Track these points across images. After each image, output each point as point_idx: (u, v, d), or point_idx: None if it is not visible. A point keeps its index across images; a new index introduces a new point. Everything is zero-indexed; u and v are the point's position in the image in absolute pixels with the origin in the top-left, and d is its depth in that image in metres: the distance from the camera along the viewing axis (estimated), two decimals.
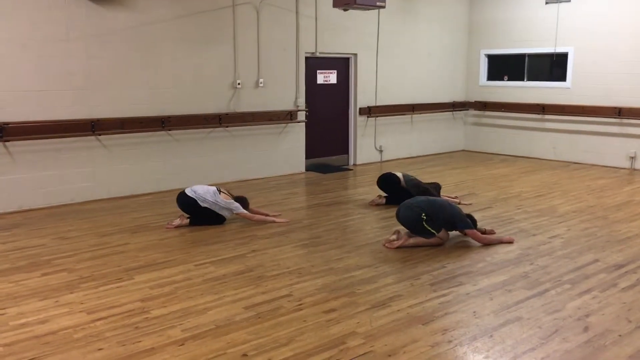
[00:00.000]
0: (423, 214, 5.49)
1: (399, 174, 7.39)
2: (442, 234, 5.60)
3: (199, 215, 6.29)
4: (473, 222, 5.71)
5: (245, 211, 6.41)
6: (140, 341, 3.63)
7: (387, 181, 7.40)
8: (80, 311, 4.09)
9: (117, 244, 5.71)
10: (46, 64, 7.01)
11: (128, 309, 4.12)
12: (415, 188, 7.12)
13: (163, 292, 4.45)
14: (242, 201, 6.49)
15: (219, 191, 6.36)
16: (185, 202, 6.30)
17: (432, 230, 5.51)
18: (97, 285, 4.59)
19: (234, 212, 6.36)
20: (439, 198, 6.18)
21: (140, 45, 7.73)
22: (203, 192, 6.29)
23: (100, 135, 7.48)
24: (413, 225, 5.57)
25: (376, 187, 7.56)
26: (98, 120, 7.42)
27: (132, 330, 3.78)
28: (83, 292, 4.44)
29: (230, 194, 6.50)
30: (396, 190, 7.24)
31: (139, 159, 7.92)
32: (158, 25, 7.85)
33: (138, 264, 5.11)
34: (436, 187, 7.35)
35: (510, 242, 5.71)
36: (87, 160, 7.47)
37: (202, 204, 6.24)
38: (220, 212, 6.33)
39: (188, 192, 6.30)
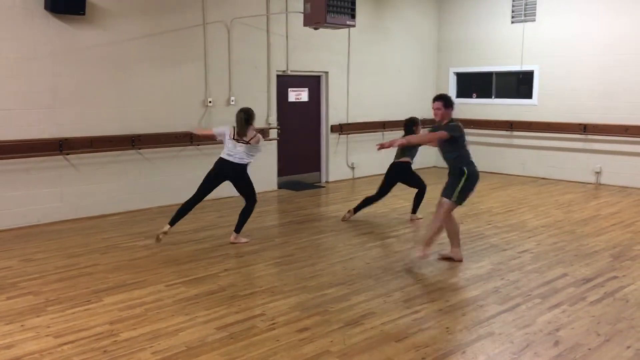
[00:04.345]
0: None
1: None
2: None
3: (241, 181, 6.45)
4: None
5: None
6: None
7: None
8: (47, 335, 3.99)
9: (85, 265, 5.60)
10: (13, 83, 6.89)
11: (96, 332, 4.03)
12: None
13: (133, 313, 4.37)
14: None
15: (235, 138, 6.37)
16: (232, 169, 6.36)
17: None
18: (64, 308, 4.49)
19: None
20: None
21: (110, 63, 7.66)
22: (238, 154, 6.33)
23: (68, 154, 7.36)
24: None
25: (349, 203, 7.66)
26: (66, 139, 7.30)
27: (100, 354, 3.70)
28: (50, 316, 4.33)
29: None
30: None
31: (108, 179, 7.80)
32: (128, 43, 7.79)
33: (107, 285, 5.01)
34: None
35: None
36: (55, 180, 7.33)
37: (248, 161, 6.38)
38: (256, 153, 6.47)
39: (228, 158, 6.40)
